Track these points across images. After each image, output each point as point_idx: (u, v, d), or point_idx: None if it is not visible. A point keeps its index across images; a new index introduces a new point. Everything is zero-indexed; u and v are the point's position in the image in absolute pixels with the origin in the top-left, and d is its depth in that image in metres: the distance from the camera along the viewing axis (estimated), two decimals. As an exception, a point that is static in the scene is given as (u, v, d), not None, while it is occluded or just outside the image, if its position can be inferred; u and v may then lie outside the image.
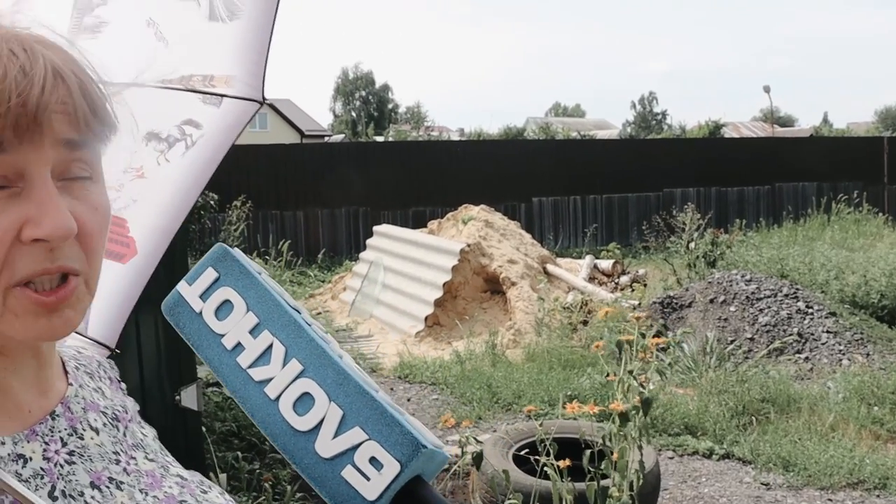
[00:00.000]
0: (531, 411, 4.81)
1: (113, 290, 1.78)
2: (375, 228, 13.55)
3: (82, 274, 0.88)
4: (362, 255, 13.34)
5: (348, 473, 0.74)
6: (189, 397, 4.83)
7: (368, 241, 13.41)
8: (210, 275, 0.84)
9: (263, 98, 1.84)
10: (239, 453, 5.78)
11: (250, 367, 0.79)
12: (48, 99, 0.82)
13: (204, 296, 0.83)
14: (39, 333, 0.87)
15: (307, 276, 15.60)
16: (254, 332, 0.80)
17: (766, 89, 46.88)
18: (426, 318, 10.87)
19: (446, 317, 11.02)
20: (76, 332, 1.65)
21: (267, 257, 14.72)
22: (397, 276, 11.90)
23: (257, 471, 5.72)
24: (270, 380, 0.78)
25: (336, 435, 0.75)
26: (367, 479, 0.73)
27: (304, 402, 0.77)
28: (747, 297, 9.71)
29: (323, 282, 14.81)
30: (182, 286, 0.84)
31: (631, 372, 3.90)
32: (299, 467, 0.76)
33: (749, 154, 22.51)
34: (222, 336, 0.81)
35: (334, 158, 18.17)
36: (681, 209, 15.43)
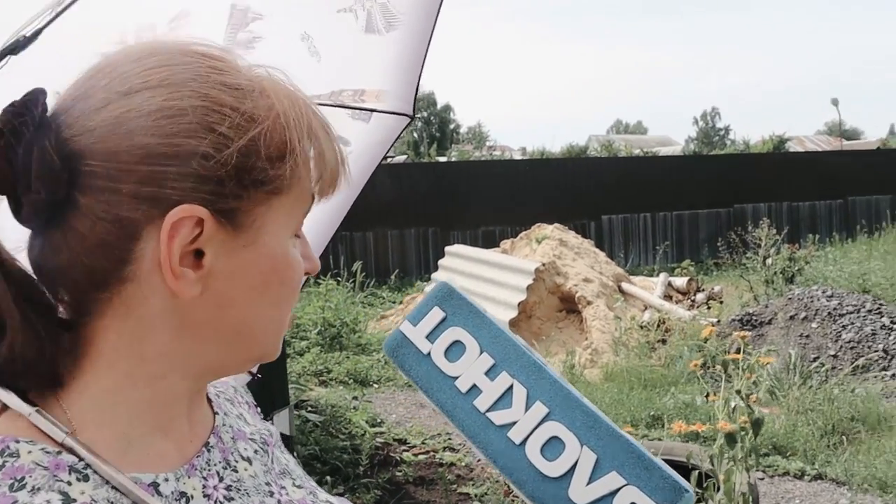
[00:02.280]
0: (628, 432, 4.74)
1: None
2: (447, 249, 13.46)
3: None
4: (434, 275, 13.28)
5: None
6: (282, 421, 4.87)
7: (440, 262, 13.32)
8: (436, 314, 0.82)
9: (414, 112, 1.79)
10: (328, 478, 5.78)
11: (489, 410, 0.77)
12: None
13: (431, 336, 0.81)
14: (276, 352, 0.93)
15: (379, 297, 15.57)
16: (490, 373, 0.78)
17: (835, 102, 46.31)
18: (501, 339, 10.76)
19: (522, 337, 10.92)
20: None
21: (339, 279, 14.76)
22: (471, 296, 11.79)
23: (343, 495, 5.72)
24: (514, 423, 0.76)
25: (591, 480, 0.72)
26: None
27: (552, 447, 0.74)
28: (829, 314, 9.49)
29: (394, 303, 14.80)
30: (405, 326, 0.83)
31: (739, 392, 3.82)
32: None
33: (819, 168, 22.06)
34: (455, 378, 0.79)
35: (400, 179, 18.19)
36: (754, 225, 15.15)
